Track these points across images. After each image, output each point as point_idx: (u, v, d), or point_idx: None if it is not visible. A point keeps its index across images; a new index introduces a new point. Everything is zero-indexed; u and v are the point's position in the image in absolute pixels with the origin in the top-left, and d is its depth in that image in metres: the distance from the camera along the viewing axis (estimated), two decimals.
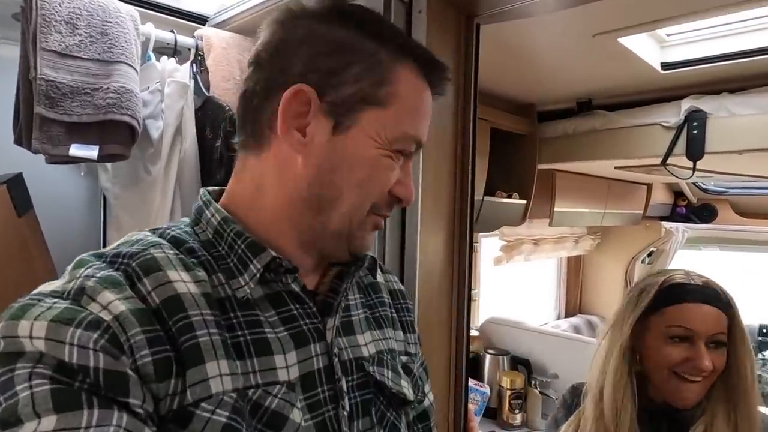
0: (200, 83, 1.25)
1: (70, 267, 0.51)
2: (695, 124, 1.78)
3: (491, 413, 2.26)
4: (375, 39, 0.56)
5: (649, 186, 3.47)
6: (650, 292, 1.01)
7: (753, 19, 1.57)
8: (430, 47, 1.17)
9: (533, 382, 2.31)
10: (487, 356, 2.38)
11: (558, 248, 3.27)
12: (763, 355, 3.59)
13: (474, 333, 2.62)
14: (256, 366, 0.52)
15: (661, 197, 3.68)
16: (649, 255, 3.78)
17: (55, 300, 0.46)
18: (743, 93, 1.74)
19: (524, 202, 2.33)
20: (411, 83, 0.57)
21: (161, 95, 1.19)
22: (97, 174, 1.31)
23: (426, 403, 0.72)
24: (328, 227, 0.57)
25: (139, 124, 1.08)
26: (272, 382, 0.52)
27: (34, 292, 0.48)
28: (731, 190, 3.70)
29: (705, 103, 1.79)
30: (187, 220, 0.61)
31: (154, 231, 0.57)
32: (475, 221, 2.10)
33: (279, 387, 0.52)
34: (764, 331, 3.82)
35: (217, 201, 0.60)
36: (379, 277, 0.73)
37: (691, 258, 4.22)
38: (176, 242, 0.55)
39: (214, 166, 1.16)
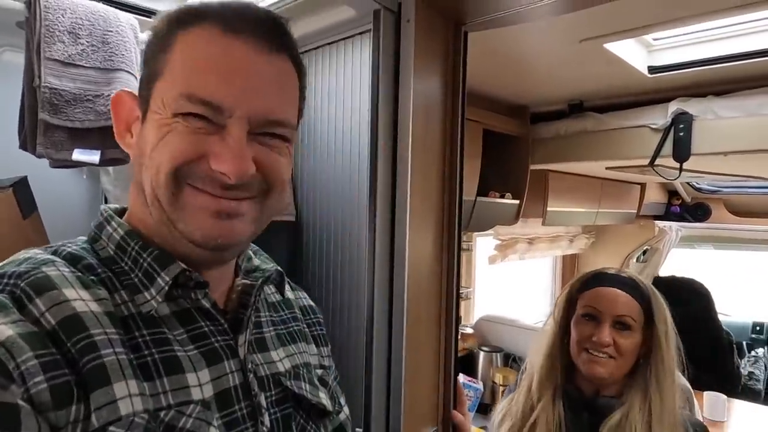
0: None
1: None
2: (682, 126, 1.82)
3: (484, 409, 2.31)
4: (173, 23, 0.54)
5: (643, 185, 3.52)
6: (574, 284, 1.15)
7: (738, 24, 1.62)
8: (418, 55, 1.22)
9: None
10: (481, 353, 2.43)
11: (553, 247, 3.32)
12: (756, 352, 3.64)
13: (468, 331, 2.66)
14: (167, 386, 0.49)
15: (655, 196, 3.72)
16: (644, 253, 3.82)
17: None
18: (728, 96, 1.78)
19: (517, 202, 2.37)
20: (194, 43, 0.51)
21: None
22: (98, 177, 1.35)
23: (342, 416, 0.72)
24: (151, 217, 0.54)
25: None
26: (185, 402, 0.49)
27: None
28: (725, 189, 3.74)
29: (691, 106, 1.83)
30: (83, 237, 0.58)
31: (45, 249, 0.53)
32: (469, 221, 2.14)
33: (193, 406, 0.50)
34: (757, 328, 3.87)
35: (120, 217, 0.58)
36: (289, 294, 0.73)
37: (685, 257, 4.27)
38: (72, 259, 0.52)
39: None
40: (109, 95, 1.11)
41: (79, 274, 0.50)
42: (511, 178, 2.39)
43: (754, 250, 4.05)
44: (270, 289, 0.69)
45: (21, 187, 1.12)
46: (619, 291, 1.06)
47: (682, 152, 1.82)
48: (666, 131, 1.87)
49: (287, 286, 0.73)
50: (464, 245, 2.76)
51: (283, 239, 1.45)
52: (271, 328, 0.65)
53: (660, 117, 1.91)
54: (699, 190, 3.81)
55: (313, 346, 0.72)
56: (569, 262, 3.85)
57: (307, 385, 0.64)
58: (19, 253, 0.52)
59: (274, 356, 0.62)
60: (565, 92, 2.16)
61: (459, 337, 2.68)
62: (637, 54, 1.74)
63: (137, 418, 0.45)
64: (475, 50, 1.38)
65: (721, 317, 3.39)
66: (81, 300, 0.47)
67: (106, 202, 1.37)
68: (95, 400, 0.44)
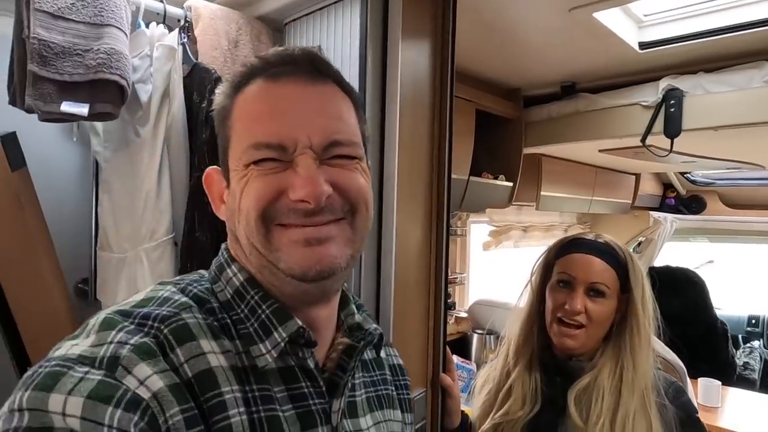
0: (188, 51, 1.30)
1: (94, 326, 0.48)
2: (672, 102, 1.83)
3: None
4: (229, 91, 0.58)
5: (638, 176, 3.53)
6: (551, 249, 1.14)
7: None
8: (406, 17, 1.23)
9: None
10: (475, 336, 2.43)
11: (548, 236, 3.32)
12: (751, 344, 3.64)
13: (462, 315, 2.66)
14: None
15: (650, 188, 3.73)
16: (639, 245, 3.83)
17: (87, 369, 0.42)
18: (718, 72, 1.80)
19: (510, 184, 2.38)
20: (246, 101, 0.56)
21: (150, 60, 1.24)
22: (88, 141, 1.35)
23: None
24: (252, 265, 0.56)
25: (128, 84, 1.13)
26: None
27: (59, 354, 0.44)
28: (719, 182, 3.75)
29: (682, 82, 1.84)
30: (204, 273, 0.60)
31: (176, 285, 0.55)
32: (462, 200, 2.15)
33: None
34: (753, 321, 3.87)
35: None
36: (381, 352, 0.72)
37: (681, 249, 4.27)
38: (199, 301, 0.54)
39: (200, 127, 1.21)
40: (98, 50, 1.12)
41: (209, 321, 0.52)
42: (505, 161, 2.39)
43: (749, 242, 4.05)
44: (369, 348, 0.67)
45: (10, 141, 1.12)
46: (593, 257, 1.04)
47: (673, 128, 1.83)
48: (657, 108, 1.88)
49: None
50: (459, 231, 2.77)
51: None
52: (363, 391, 0.65)
53: (651, 94, 1.92)
54: (694, 182, 3.82)
55: (399, 412, 0.71)
56: None
57: None
58: (156, 289, 0.54)
59: (362, 423, 0.62)
60: (557, 73, 2.17)
61: (453, 320, 2.68)
62: (627, 29, 1.75)
63: None
64: (465, 21, 1.40)
65: (716, 311, 3.39)
66: (213, 353, 0.49)
67: (96, 164, 1.37)
68: None
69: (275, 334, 0.53)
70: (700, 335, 3.12)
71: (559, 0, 1.46)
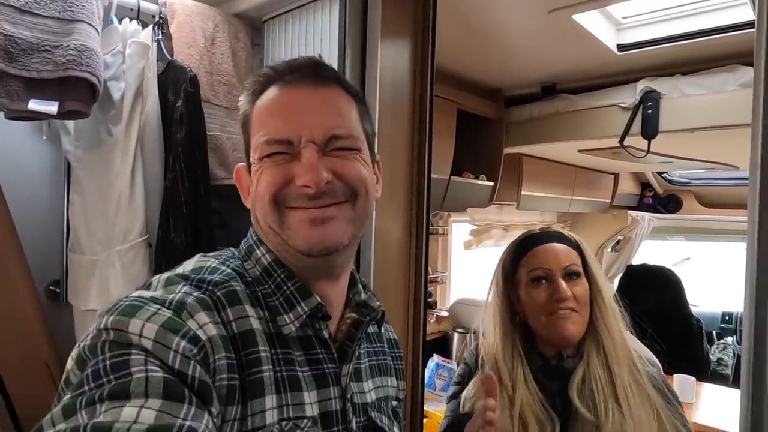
0: (163, 48, 1.27)
1: (159, 282, 0.57)
2: (650, 104, 1.86)
3: None
4: (249, 98, 0.66)
5: (616, 175, 3.58)
6: (506, 257, 1.11)
7: (702, 1, 1.66)
8: (385, 19, 1.22)
9: None
10: (455, 335, 2.43)
11: None
12: (725, 341, 3.72)
13: (443, 314, 2.67)
14: (290, 400, 0.58)
15: (628, 187, 3.79)
16: (617, 243, 3.88)
17: (159, 307, 0.51)
18: (694, 74, 1.83)
19: (491, 184, 2.39)
20: (261, 106, 0.64)
21: (123, 57, 1.21)
22: (59, 139, 1.31)
23: None
24: (271, 243, 0.65)
25: (99, 81, 1.10)
26: (301, 417, 0.58)
27: (134, 294, 0.53)
28: (695, 181, 3.83)
29: (659, 84, 1.87)
30: (234, 251, 0.68)
31: (217, 258, 0.64)
32: (443, 200, 2.15)
33: (306, 421, 0.58)
34: (726, 318, 3.96)
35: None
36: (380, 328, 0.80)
37: (658, 248, 4.35)
38: (238, 275, 0.62)
39: (174, 125, 1.18)
40: (68, 46, 1.08)
41: (248, 292, 0.60)
42: (486, 161, 2.40)
43: (723, 241, 4.15)
44: (372, 323, 0.75)
45: None
46: (556, 244, 1.05)
47: (650, 129, 1.86)
48: (635, 109, 1.91)
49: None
50: (440, 230, 2.77)
51: None
52: (366, 360, 0.73)
53: (629, 96, 1.94)
54: (671, 182, 3.89)
55: (394, 379, 0.79)
56: None
57: (386, 419, 0.72)
58: (203, 260, 0.63)
59: (365, 387, 0.70)
60: (537, 74, 2.19)
61: (434, 319, 2.69)
62: (606, 31, 1.77)
63: (274, 428, 0.55)
64: (446, 22, 1.39)
65: (691, 308, 3.45)
66: (253, 317, 0.58)
67: (67, 164, 1.33)
68: (252, 407, 0.54)
69: (298, 307, 0.62)
70: (675, 332, 3.18)
71: (539, 2, 1.46)
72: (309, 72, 0.64)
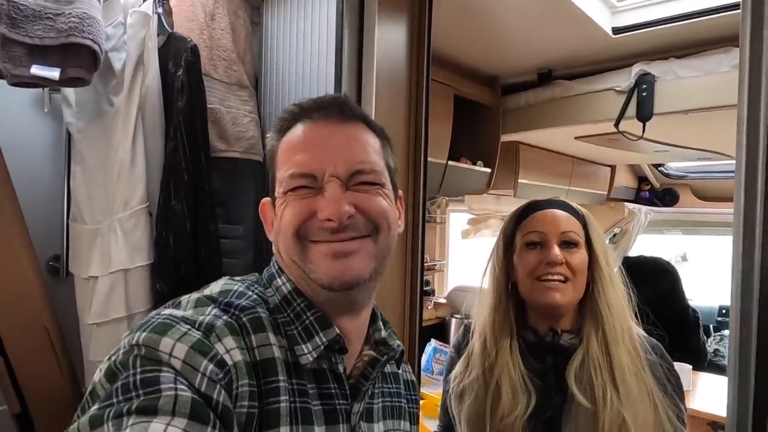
0: (164, 22, 1.29)
1: (189, 303, 0.58)
2: (644, 86, 1.88)
3: None
4: (276, 135, 0.68)
5: (613, 168, 3.60)
6: (509, 222, 1.07)
7: None
8: (382, 2, 1.23)
9: None
10: (453, 320, 2.45)
11: None
12: (722, 333, 3.75)
13: (441, 301, 2.68)
14: None
15: (625, 180, 3.81)
16: (614, 236, 3.90)
17: (189, 327, 0.52)
18: (688, 57, 1.85)
19: (488, 170, 2.40)
20: (287, 142, 0.66)
21: (124, 28, 1.22)
22: (60, 112, 1.33)
23: None
24: (294, 276, 0.65)
25: (101, 49, 1.11)
26: None
27: (165, 312, 0.55)
28: (691, 174, 3.85)
29: (654, 67, 1.89)
30: (258, 277, 0.69)
31: (243, 282, 0.65)
32: (440, 185, 2.16)
33: None
34: (723, 311, 3.97)
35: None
36: (398, 368, 0.80)
37: (655, 242, 4.37)
38: (263, 301, 0.63)
39: (175, 94, 1.19)
40: (70, 13, 1.10)
41: (271, 318, 0.61)
42: (483, 147, 2.42)
43: (719, 234, 4.17)
44: (390, 363, 0.74)
45: None
46: (557, 210, 1.01)
47: (645, 112, 1.88)
48: (630, 92, 1.93)
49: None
50: (438, 219, 2.78)
51: (250, 180, 1.45)
52: (380, 400, 0.72)
53: (624, 79, 1.96)
54: (667, 175, 3.91)
55: (407, 423, 0.78)
56: None
57: None
58: (230, 283, 0.64)
59: (376, 429, 0.69)
60: (534, 60, 2.20)
61: (432, 306, 2.70)
62: (601, 14, 1.79)
63: None
64: (443, 6, 1.40)
65: (688, 300, 3.47)
66: (275, 346, 0.59)
67: (68, 136, 1.35)
68: None
69: (317, 337, 0.61)
70: (672, 322, 3.20)
71: None
72: (335, 109, 0.66)
